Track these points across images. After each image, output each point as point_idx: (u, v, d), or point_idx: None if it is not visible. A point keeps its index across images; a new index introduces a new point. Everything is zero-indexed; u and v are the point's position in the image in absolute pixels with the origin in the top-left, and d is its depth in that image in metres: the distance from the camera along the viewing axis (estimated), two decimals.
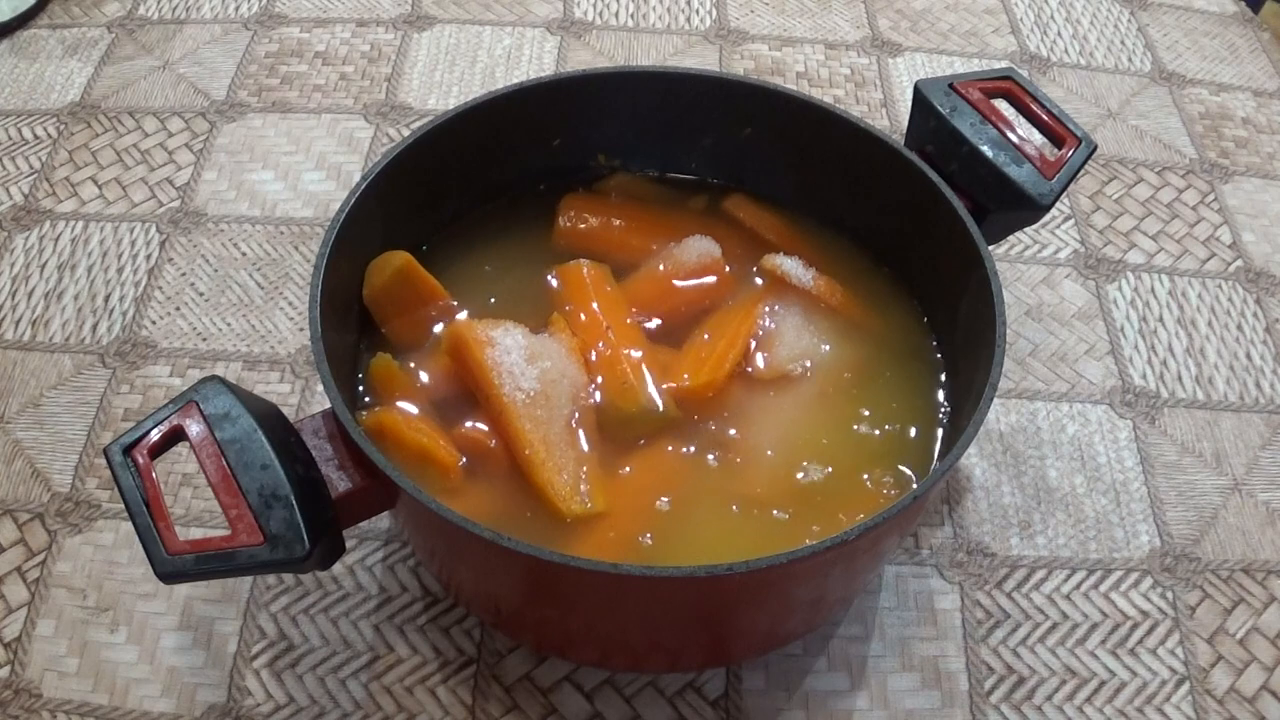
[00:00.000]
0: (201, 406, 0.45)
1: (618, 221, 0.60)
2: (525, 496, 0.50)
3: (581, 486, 0.50)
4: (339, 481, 0.45)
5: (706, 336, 0.56)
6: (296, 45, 0.86)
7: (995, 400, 0.47)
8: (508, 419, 0.50)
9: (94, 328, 0.68)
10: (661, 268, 0.58)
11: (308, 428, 0.47)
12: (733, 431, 0.53)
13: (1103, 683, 0.55)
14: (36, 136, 0.79)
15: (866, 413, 0.54)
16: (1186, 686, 0.55)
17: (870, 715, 0.54)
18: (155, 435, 0.45)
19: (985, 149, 0.54)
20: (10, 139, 0.79)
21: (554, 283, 0.58)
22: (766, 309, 0.57)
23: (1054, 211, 0.74)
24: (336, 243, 0.50)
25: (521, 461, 0.50)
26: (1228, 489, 0.62)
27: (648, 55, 0.86)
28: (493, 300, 0.57)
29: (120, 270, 0.71)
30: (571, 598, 0.48)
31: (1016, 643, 0.56)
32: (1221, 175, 0.80)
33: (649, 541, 0.49)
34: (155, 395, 0.65)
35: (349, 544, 0.55)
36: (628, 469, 0.52)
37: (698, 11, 0.90)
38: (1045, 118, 0.56)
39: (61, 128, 0.80)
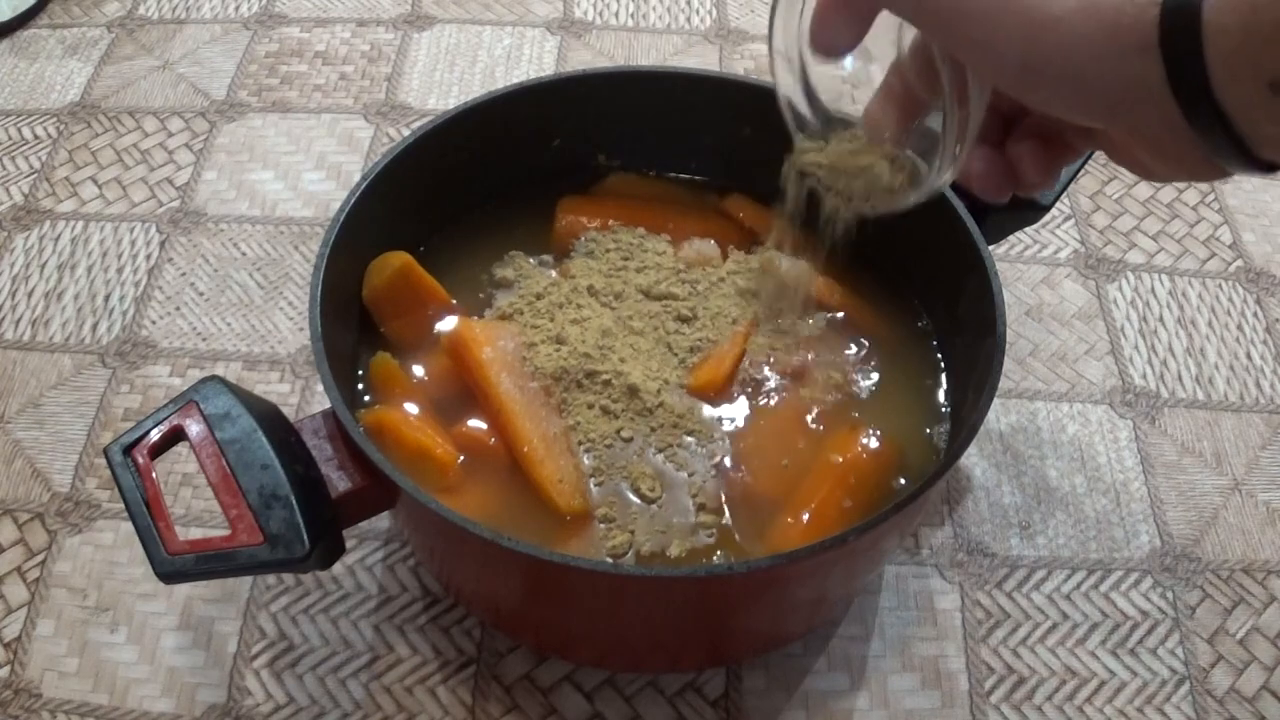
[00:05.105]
0: (201, 406, 0.45)
1: (616, 223, 0.60)
2: (524, 493, 0.50)
3: (580, 483, 0.50)
4: (339, 481, 0.46)
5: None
6: (296, 45, 0.86)
7: (995, 400, 0.47)
8: (506, 417, 0.50)
9: (94, 328, 0.68)
10: None
11: (308, 428, 0.47)
12: (732, 430, 0.53)
13: (1103, 683, 0.55)
14: (36, 136, 0.79)
15: (866, 413, 0.54)
16: (1186, 686, 0.55)
17: (870, 715, 0.54)
18: (155, 435, 0.45)
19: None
20: (10, 139, 0.79)
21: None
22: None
23: (1054, 211, 0.74)
24: (336, 243, 0.51)
25: (520, 458, 0.50)
26: (1228, 489, 0.62)
27: (648, 55, 0.86)
28: (493, 300, 0.57)
29: (120, 270, 0.71)
30: (571, 598, 0.48)
31: (1016, 643, 0.56)
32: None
33: (649, 541, 0.49)
34: (155, 395, 0.65)
35: (349, 544, 0.55)
36: None
37: (698, 11, 0.90)
38: None
39: (61, 128, 0.80)
